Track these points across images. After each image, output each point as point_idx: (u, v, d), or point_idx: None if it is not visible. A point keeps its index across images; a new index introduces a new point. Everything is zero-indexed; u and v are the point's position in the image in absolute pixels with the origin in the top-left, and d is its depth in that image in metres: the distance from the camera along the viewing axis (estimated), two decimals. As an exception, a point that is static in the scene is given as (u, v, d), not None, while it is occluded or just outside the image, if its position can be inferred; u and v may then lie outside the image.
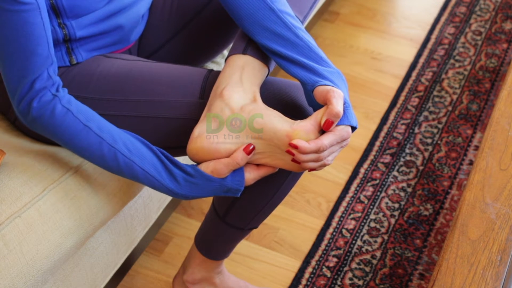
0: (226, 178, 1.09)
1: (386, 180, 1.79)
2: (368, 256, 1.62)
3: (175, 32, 1.36)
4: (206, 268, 1.41)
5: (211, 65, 1.46)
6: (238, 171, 1.10)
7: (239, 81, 1.10)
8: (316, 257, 1.61)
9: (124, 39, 1.26)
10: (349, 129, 1.07)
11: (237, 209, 1.27)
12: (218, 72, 1.17)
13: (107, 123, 1.08)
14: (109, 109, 1.17)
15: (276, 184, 1.23)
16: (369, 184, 1.78)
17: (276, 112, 1.08)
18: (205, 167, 1.09)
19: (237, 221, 1.30)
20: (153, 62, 1.22)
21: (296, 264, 1.61)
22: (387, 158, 1.85)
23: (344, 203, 1.73)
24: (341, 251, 1.62)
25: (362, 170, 1.82)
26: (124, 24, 1.23)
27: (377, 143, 1.90)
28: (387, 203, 1.74)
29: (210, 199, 1.73)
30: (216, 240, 1.35)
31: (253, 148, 1.07)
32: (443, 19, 2.35)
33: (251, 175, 1.11)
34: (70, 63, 1.20)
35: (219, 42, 1.38)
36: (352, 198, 1.75)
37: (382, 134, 1.92)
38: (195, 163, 1.11)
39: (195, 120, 1.14)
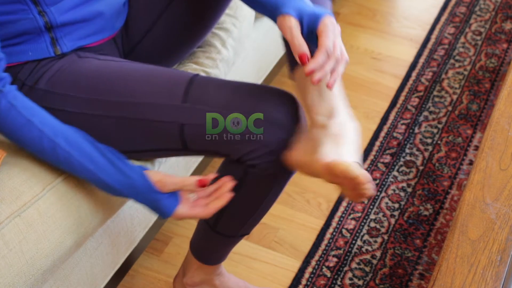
0: (162, 196, 1.11)
1: (386, 180, 1.79)
2: (368, 256, 1.62)
3: (158, 14, 1.33)
4: (204, 272, 1.41)
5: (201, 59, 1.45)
6: (174, 197, 1.12)
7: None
8: (316, 257, 1.61)
9: (107, 27, 1.26)
10: (330, 18, 1.07)
11: (226, 218, 1.27)
12: (207, 77, 1.17)
13: (51, 119, 1.10)
14: (94, 109, 1.17)
15: (264, 192, 1.22)
16: (369, 184, 1.78)
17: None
18: (154, 174, 1.11)
19: (227, 229, 1.30)
20: (136, 63, 1.22)
21: (296, 264, 1.61)
22: (387, 158, 1.85)
23: (344, 203, 1.73)
24: (341, 251, 1.62)
25: (362, 170, 1.82)
26: (104, 11, 1.23)
27: (377, 143, 1.90)
28: (387, 203, 1.74)
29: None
30: (209, 248, 1.36)
31: (206, 183, 1.09)
32: (443, 19, 2.35)
33: (182, 210, 1.13)
34: (55, 53, 1.20)
35: (205, 18, 1.35)
36: (352, 198, 1.75)
37: (382, 134, 1.92)
38: (147, 167, 1.12)
39: (177, 124, 1.14)
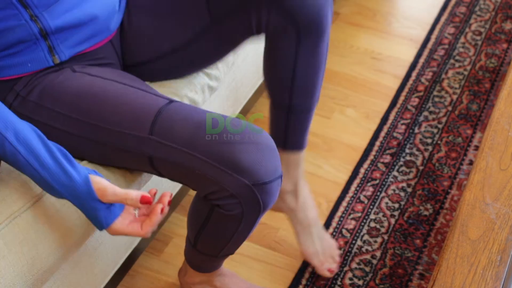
0: (101, 205, 1.05)
1: (386, 180, 1.79)
2: (368, 256, 1.62)
3: (174, 47, 1.34)
4: (203, 274, 1.42)
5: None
6: (114, 209, 1.07)
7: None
8: (316, 257, 1.61)
9: (102, 29, 1.26)
10: None
11: (204, 238, 1.26)
12: (179, 105, 1.15)
13: (6, 112, 1.05)
14: (74, 128, 1.17)
15: (231, 229, 1.20)
16: (369, 184, 1.78)
17: None
18: (98, 181, 1.05)
19: (208, 250, 1.30)
20: (118, 84, 1.20)
21: (296, 264, 1.60)
22: (387, 158, 1.85)
23: (344, 203, 1.73)
24: (341, 251, 1.62)
25: (362, 170, 1.82)
26: (97, 13, 1.23)
27: (377, 143, 1.90)
28: (387, 203, 1.74)
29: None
30: (200, 260, 1.36)
31: (150, 201, 1.04)
32: (443, 19, 2.35)
33: (118, 225, 1.07)
34: (54, 62, 1.20)
35: (224, 54, 1.39)
36: (352, 198, 1.75)
37: (382, 134, 1.92)
38: (95, 171, 1.09)
39: (146, 155, 1.13)
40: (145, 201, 1.04)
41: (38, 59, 1.18)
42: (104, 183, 1.05)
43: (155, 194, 1.08)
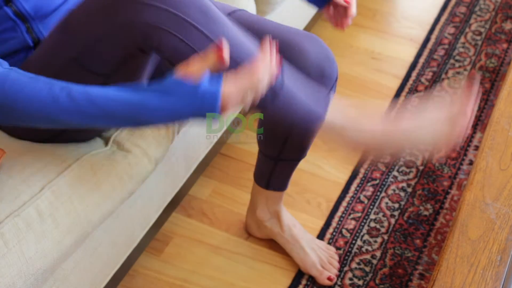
0: (199, 84, 0.96)
1: (386, 180, 1.79)
2: (368, 256, 1.62)
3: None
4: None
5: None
6: (211, 80, 0.97)
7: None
8: (316, 257, 1.61)
9: None
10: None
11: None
12: None
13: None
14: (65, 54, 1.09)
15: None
16: (369, 184, 1.78)
17: None
18: (178, 71, 0.97)
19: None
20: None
21: (296, 264, 1.60)
22: (387, 158, 1.85)
23: (344, 203, 1.73)
24: (341, 251, 1.62)
25: (362, 170, 1.82)
26: None
27: (377, 143, 1.90)
28: (387, 203, 1.74)
29: (209, 202, 1.73)
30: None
31: (222, 48, 0.95)
32: (443, 19, 2.35)
33: (229, 86, 0.96)
34: None
35: None
36: (352, 198, 1.75)
37: (382, 134, 1.92)
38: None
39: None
40: (219, 51, 0.96)
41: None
42: (183, 69, 0.97)
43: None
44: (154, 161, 1.29)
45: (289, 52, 1.23)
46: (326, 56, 1.28)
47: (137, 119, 0.96)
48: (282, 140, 1.40)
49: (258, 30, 1.24)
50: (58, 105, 0.94)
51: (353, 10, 1.30)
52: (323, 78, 1.28)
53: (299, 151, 1.44)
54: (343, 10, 1.32)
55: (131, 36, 1.01)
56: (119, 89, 0.96)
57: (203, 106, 0.96)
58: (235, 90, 0.97)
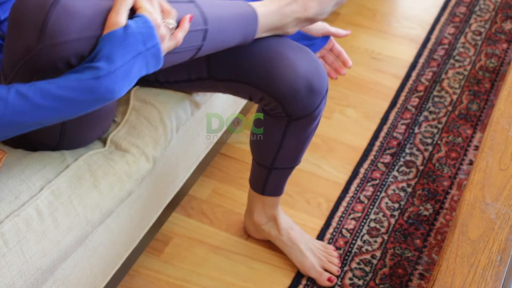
0: (127, 25, 0.95)
1: (386, 180, 1.79)
2: (368, 256, 1.62)
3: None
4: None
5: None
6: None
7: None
8: (316, 257, 1.61)
9: None
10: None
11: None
12: None
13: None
14: None
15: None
16: (369, 184, 1.78)
17: None
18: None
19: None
20: None
21: (296, 264, 1.61)
22: (387, 158, 1.85)
23: (344, 203, 1.73)
24: (341, 251, 1.62)
25: (362, 170, 1.82)
26: None
27: (377, 143, 1.90)
28: (387, 203, 1.74)
29: (209, 202, 1.73)
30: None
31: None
32: (443, 19, 2.35)
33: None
34: None
35: None
36: (352, 198, 1.75)
37: (382, 134, 1.92)
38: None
39: None
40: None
41: None
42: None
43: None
44: (152, 160, 1.29)
45: (277, 64, 1.24)
46: (315, 69, 1.28)
47: (94, 90, 0.93)
48: (276, 148, 1.41)
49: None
50: (10, 107, 0.89)
51: (347, 59, 1.44)
52: (312, 92, 1.28)
53: (293, 159, 1.45)
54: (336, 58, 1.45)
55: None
56: (59, 78, 0.93)
57: (144, 39, 0.96)
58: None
